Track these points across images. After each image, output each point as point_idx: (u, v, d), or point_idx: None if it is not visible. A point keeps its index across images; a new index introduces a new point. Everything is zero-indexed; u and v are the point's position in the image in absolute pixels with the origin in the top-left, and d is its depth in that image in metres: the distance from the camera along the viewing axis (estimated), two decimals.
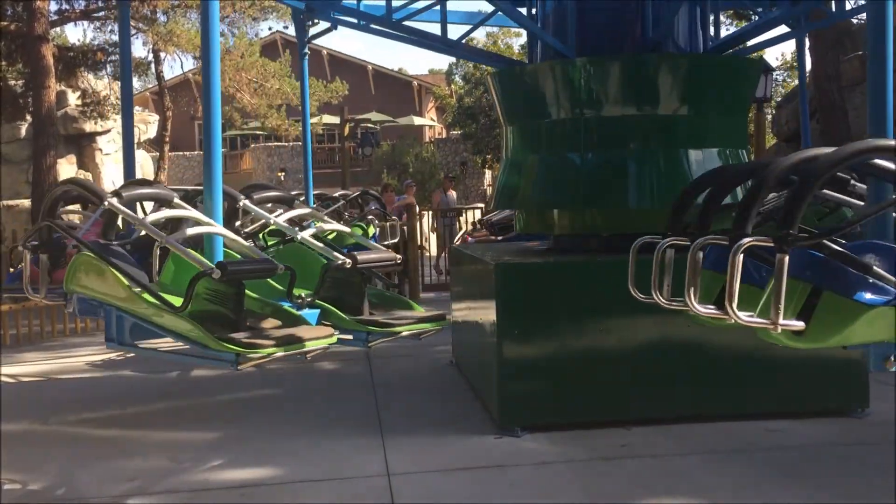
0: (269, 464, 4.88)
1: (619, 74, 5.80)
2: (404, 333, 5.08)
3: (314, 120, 31.47)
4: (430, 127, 39.57)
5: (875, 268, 2.85)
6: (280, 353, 4.39)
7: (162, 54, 22.05)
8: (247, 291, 4.73)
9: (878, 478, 4.33)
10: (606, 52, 6.16)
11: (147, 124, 24.21)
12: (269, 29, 32.40)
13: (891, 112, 3.63)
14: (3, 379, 7.39)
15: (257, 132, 34.48)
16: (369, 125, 34.03)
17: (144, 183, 6.28)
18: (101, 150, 21.21)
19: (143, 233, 5.27)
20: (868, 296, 2.82)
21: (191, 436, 5.50)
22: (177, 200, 5.26)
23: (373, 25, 7.46)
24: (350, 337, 4.95)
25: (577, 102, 5.90)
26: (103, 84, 19.67)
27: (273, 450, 5.14)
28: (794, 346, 2.97)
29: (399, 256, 5.48)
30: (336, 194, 9.03)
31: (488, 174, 31.47)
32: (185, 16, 20.02)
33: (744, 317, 2.91)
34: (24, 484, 4.67)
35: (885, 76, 3.70)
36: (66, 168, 20.04)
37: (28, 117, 17.27)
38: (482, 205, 18.00)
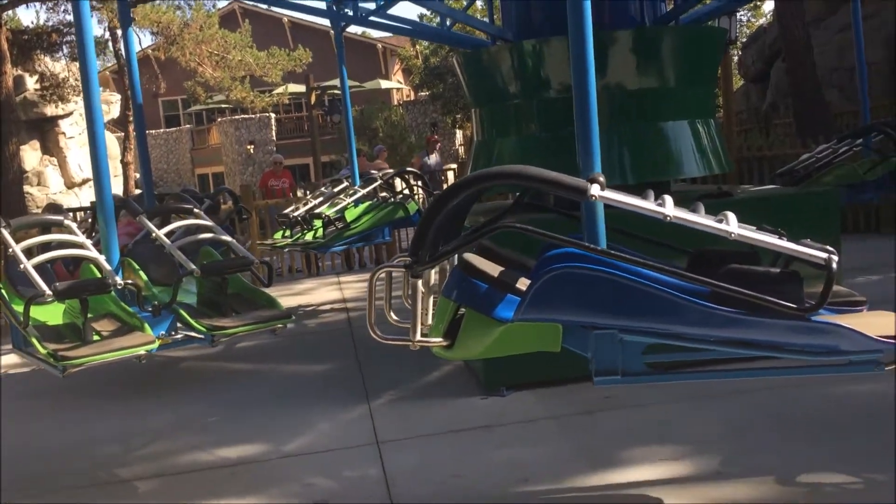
0: (258, 440, 4.87)
1: (565, 54, 5.77)
2: (241, 333, 5.55)
3: (279, 90, 31.06)
4: (398, 90, 39.16)
5: (514, 283, 2.97)
6: (97, 361, 4.83)
7: (118, 32, 21.59)
8: (114, 297, 5.29)
9: (865, 418, 4.39)
10: (550, 34, 6.06)
11: (109, 104, 23.66)
12: None
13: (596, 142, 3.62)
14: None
15: (222, 105, 33.94)
16: (336, 92, 33.68)
17: (52, 209, 6.91)
18: (64, 133, 20.77)
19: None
20: (506, 312, 2.90)
21: (176, 414, 5.49)
22: (67, 223, 5.58)
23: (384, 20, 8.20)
24: (201, 336, 5.41)
25: (534, 83, 5.90)
26: (61, 66, 19.21)
27: (260, 425, 5.14)
28: (447, 357, 3.13)
29: (255, 260, 5.91)
30: (378, 174, 9.00)
31: (459, 134, 31.29)
32: None
33: (379, 333, 3.03)
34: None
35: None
36: (31, 154, 19.65)
37: None
38: (455, 166, 17.87)
